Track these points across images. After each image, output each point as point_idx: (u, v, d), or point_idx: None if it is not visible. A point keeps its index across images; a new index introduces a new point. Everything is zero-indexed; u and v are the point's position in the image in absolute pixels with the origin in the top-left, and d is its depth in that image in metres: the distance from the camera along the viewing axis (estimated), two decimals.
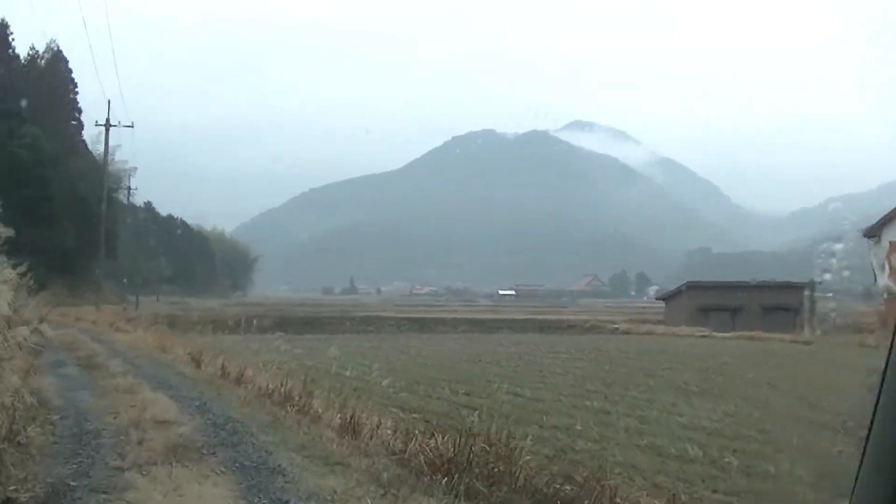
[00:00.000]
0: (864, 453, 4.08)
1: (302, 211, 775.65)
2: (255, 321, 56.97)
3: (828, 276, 11.50)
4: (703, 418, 26.62)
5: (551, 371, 44.36)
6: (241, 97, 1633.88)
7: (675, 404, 30.33)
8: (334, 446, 12.13)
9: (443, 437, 12.49)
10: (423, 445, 12.21)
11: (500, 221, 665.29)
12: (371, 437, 13.10)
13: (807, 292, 73.45)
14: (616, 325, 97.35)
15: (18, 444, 10.55)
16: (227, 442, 12.06)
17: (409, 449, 12.20)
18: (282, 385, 17.63)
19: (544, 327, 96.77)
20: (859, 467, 4.11)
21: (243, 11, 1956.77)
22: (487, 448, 11.43)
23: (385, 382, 27.73)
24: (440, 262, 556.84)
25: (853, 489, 4.13)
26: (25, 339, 17.38)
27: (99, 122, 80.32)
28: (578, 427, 24.23)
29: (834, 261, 11.02)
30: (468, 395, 32.54)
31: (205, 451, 11.22)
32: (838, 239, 11.39)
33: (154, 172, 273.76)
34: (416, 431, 13.52)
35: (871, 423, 4.04)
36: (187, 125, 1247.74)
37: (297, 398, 16.66)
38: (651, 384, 37.56)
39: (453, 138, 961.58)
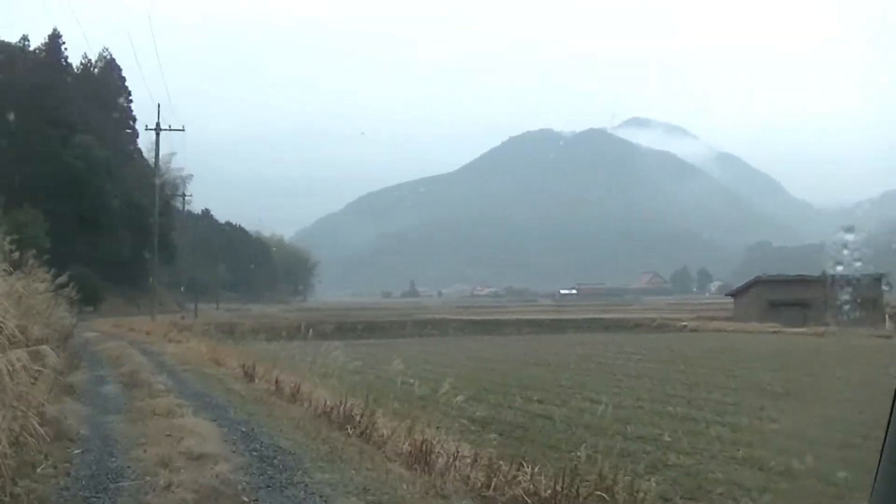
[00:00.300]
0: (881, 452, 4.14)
1: (361, 215, 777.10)
2: (314, 327, 57.24)
3: None
4: (799, 424, 24.50)
5: (625, 373, 42.66)
6: (297, 104, 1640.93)
7: (763, 408, 28.48)
8: (405, 486, 9.92)
9: (534, 469, 10.33)
10: (510, 479, 10.03)
11: (558, 220, 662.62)
12: (447, 470, 10.88)
13: (885, 287, 70.80)
14: (684, 323, 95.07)
15: (11, 495, 8.49)
16: (274, 482, 9.93)
17: (493, 484, 10.03)
18: (341, 403, 15.51)
19: (610, 326, 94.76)
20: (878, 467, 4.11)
21: (296, 20, 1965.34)
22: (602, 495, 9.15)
23: (451, 391, 26.05)
24: (500, 263, 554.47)
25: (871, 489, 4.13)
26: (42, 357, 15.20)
27: (149, 127, 78.82)
28: (667, 438, 22.59)
29: None
30: (541, 402, 30.97)
31: (245, 499, 9.08)
32: None
33: (211, 180, 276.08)
34: (500, 462, 11.29)
35: (889, 422, 4.17)
36: (243, 133, 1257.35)
37: (358, 418, 14.60)
38: (733, 386, 35.82)
39: (510, 138, 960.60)
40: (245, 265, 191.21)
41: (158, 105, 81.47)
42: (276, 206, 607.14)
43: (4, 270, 20.37)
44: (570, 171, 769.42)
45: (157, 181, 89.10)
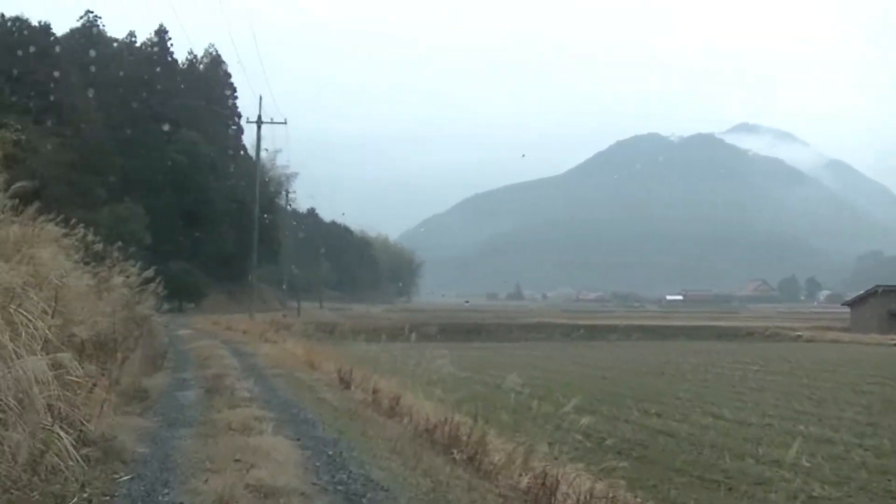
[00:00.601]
0: None
1: (466, 217, 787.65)
2: (417, 329, 55.46)
3: None
4: None
5: (745, 386, 40.39)
6: (403, 106, 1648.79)
7: None
8: None
9: None
10: None
11: (665, 225, 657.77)
12: None
13: None
14: (798, 333, 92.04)
15: None
16: None
17: None
18: (446, 420, 13.30)
19: (721, 335, 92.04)
20: None
21: (402, 25, 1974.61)
22: None
23: (562, 402, 23.88)
24: (605, 268, 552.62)
25: None
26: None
27: (250, 120, 77.61)
28: (805, 462, 19.91)
29: None
30: (660, 416, 28.99)
31: None
32: None
33: (317, 180, 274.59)
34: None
35: None
36: (348, 134, 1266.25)
37: (465, 439, 12.47)
38: (863, 403, 33.41)
39: (618, 142, 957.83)
40: (349, 265, 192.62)
41: (260, 97, 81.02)
42: (381, 207, 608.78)
43: (83, 263, 18.75)
44: (677, 175, 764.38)
45: (261, 176, 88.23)
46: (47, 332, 8.99)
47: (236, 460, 10.23)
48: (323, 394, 19.35)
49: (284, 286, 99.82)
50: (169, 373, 22.96)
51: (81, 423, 9.83)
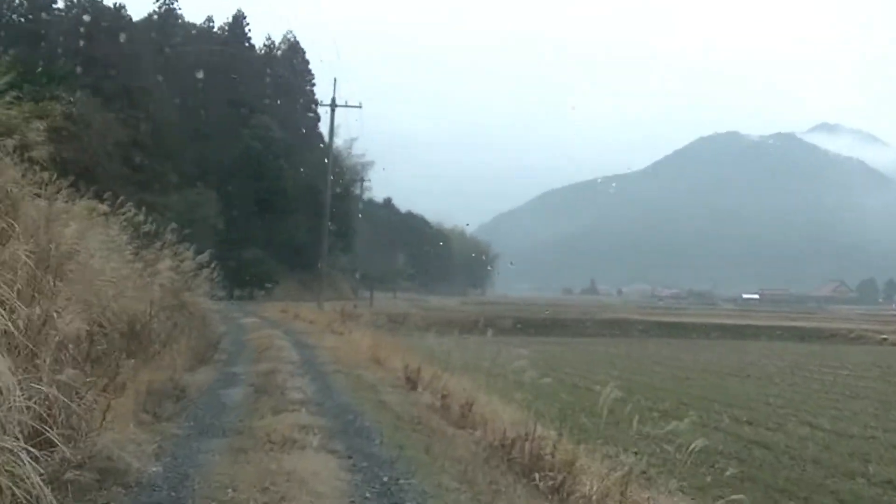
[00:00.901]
0: None
1: (541, 211, 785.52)
2: (492, 323, 50.51)
3: None
4: None
5: (838, 392, 38.09)
6: (478, 99, 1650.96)
7: None
8: None
9: None
10: None
11: (742, 224, 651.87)
12: None
13: None
14: (884, 336, 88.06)
15: None
16: None
17: None
18: (527, 435, 11.17)
19: (804, 336, 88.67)
20: None
21: (479, 22, 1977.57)
22: None
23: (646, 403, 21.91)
24: (681, 265, 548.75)
25: None
26: None
27: (323, 103, 76.01)
28: None
29: None
30: (751, 424, 27.04)
31: None
32: None
33: (391, 172, 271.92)
34: None
35: None
36: (424, 127, 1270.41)
37: (550, 459, 10.51)
38: None
39: (696, 139, 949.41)
40: (424, 256, 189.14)
41: (335, 79, 78.80)
42: (454, 201, 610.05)
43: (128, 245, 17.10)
44: (755, 174, 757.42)
45: (336, 164, 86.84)
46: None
47: (265, 488, 8.17)
48: (385, 396, 17.19)
49: (357, 275, 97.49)
50: (219, 367, 20.86)
51: (74, 436, 7.88)
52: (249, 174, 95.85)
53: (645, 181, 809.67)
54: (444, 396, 16.07)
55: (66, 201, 13.70)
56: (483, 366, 18.86)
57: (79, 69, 68.30)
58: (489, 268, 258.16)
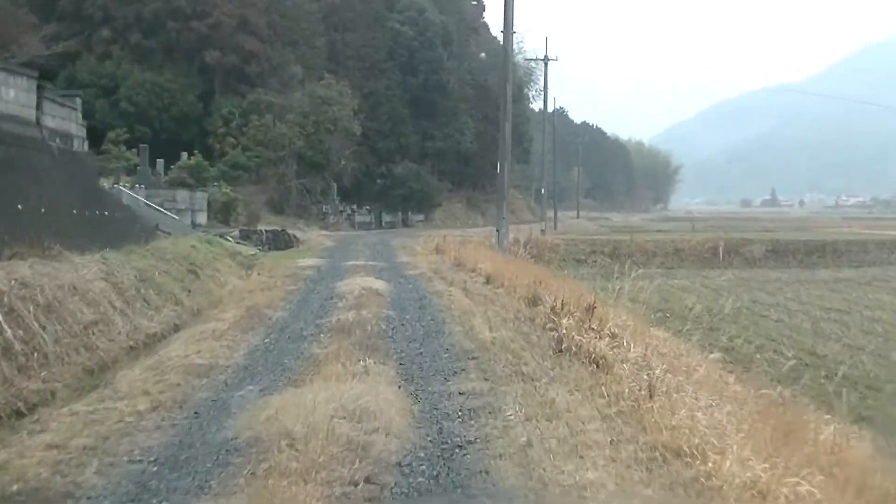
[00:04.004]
0: None
1: (713, 122, 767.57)
2: (734, 250, 49.78)
3: None
4: None
5: None
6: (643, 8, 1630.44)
7: None
8: None
9: None
10: None
11: None
12: None
13: None
14: None
15: None
16: None
17: None
18: None
19: None
20: None
21: None
22: None
23: None
24: (859, 173, 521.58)
25: None
26: None
27: None
28: None
29: None
30: None
31: None
32: None
33: (561, 80, 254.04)
34: None
35: None
36: (589, 38, 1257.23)
37: None
38: None
39: (869, 45, 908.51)
40: (602, 170, 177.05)
41: None
42: (624, 115, 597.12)
43: None
44: None
45: (510, 28, 69.85)
46: None
47: None
48: None
49: (543, 190, 78.51)
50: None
51: None
52: (399, 67, 79.43)
53: (818, 88, 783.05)
54: None
55: None
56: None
57: None
58: (670, 181, 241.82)
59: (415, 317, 17.52)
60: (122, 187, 35.85)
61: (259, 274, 26.43)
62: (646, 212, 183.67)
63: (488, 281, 22.91)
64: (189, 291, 18.80)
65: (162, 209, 36.09)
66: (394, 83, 78.17)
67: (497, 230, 35.20)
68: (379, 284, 22.63)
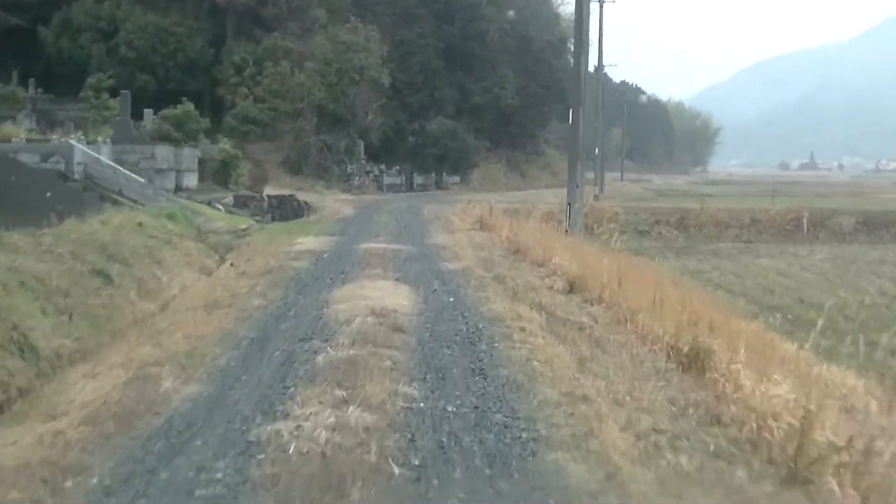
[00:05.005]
0: None
1: (750, 84, 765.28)
2: (819, 223, 46.22)
3: None
4: None
5: None
6: None
7: None
8: None
9: None
10: None
11: None
12: None
13: None
14: None
15: None
16: None
17: None
18: None
19: None
20: None
21: None
22: None
23: None
24: (891, 135, 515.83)
25: None
26: None
27: None
28: None
29: None
30: None
31: None
32: None
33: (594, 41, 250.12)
34: None
35: None
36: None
37: None
38: None
39: None
40: (641, 131, 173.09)
41: None
42: (659, 76, 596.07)
43: None
44: None
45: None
46: None
47: None
48: None
49: (597, 150, 73.01)
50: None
51: None
52: (433, 14, 75.44)
53: (855, 50, 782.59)
54: None
55: None
56: None
57: None
58: (710, 143, 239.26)
59: (469, 423, 7.73)
60: (73, 141, 29.41)
61: (233, 265, 18.89)
62: (685, 174, 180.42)
63: (573, 288, 15.23)
64: (70, 316, 11.46)
65: (122, 168, 29.43)
66: (427, 31, 73.82)
67: (568, 204, 27.38)
68: (399, 299, 13.93)
